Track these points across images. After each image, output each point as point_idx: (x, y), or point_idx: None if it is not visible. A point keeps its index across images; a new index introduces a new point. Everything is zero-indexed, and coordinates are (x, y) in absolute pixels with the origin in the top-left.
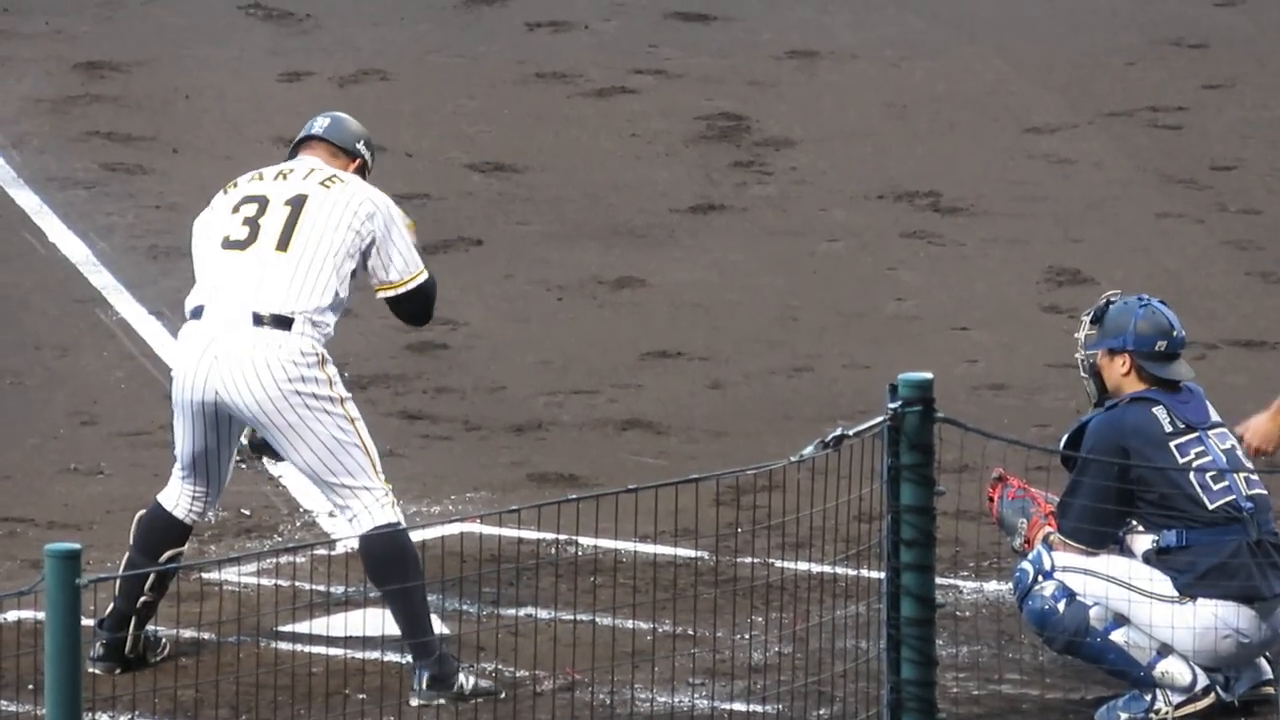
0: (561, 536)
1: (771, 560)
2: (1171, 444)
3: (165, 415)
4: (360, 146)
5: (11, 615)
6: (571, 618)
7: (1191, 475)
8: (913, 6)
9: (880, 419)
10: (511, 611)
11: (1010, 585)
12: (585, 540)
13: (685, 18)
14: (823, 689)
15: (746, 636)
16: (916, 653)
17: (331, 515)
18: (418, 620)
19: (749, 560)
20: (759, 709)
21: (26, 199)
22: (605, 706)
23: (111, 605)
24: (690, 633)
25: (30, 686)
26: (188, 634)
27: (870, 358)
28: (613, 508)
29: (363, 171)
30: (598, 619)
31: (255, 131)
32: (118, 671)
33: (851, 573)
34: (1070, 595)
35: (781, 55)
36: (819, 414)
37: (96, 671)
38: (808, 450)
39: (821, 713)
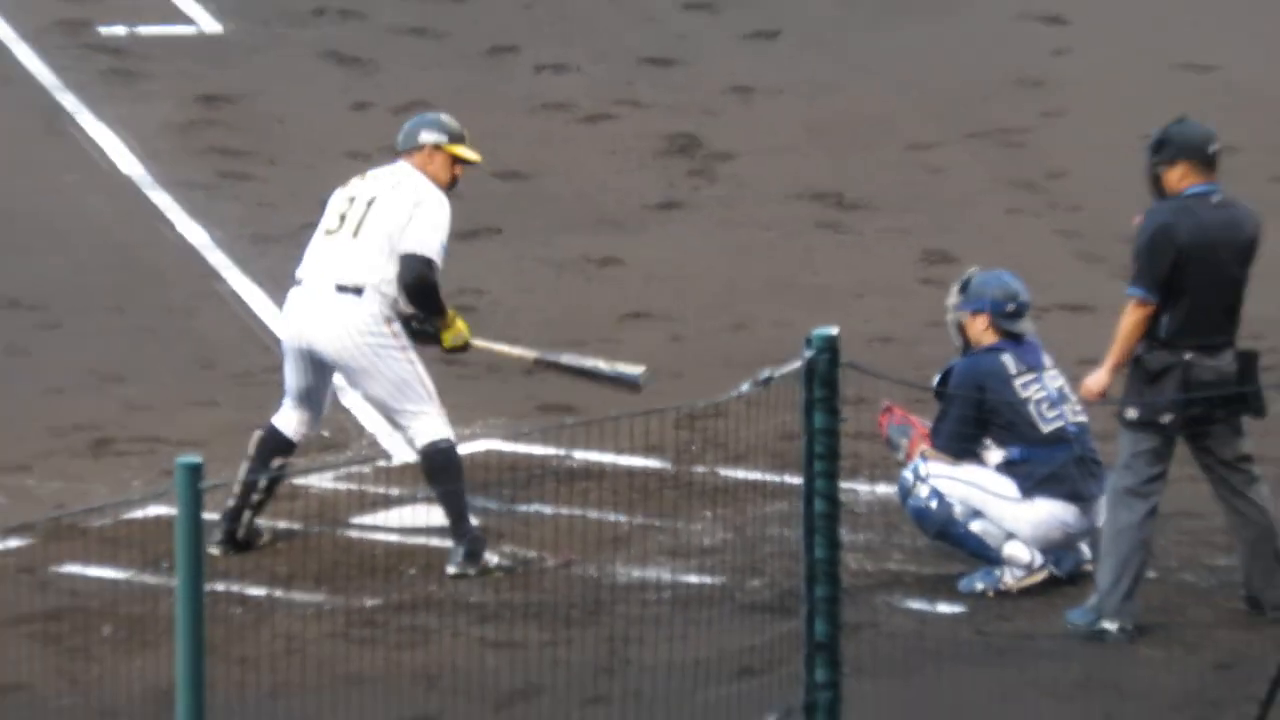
0: (561, 452)
1: (717, 469)
2: (1015, 382)
3: (265, 361)
4: (422, 137)
5: (151, 511)
6: (568, 513)
7: (1030, 406)
8: (824, 53)
9: (799, 363)
10: (524, 508)
11: (895, 489)
12: (578, 454)
13: (654, 62)
14: (756, 566)
15: (699, 526)
16: (825, 538)
17: (390, 436)
18: (460, 513)
19: (700, 469)
20: (708, 580)
21: (160, 198)
22: (593, 579)
23: (231, 501)
24: (656, 524)
25: (165, 565)
26: (282, 525)
27: (792, 318)
28: (599, 430)
29: (438, 150)
30: (588, 513)
31: (332, 148)
32: (231, 553)
33: (777, 479)
34: (940, 496)
35: (726, 90)
36: (754, 360)
37: (215, 552)
38: (745, 387)
39: (755, 583)
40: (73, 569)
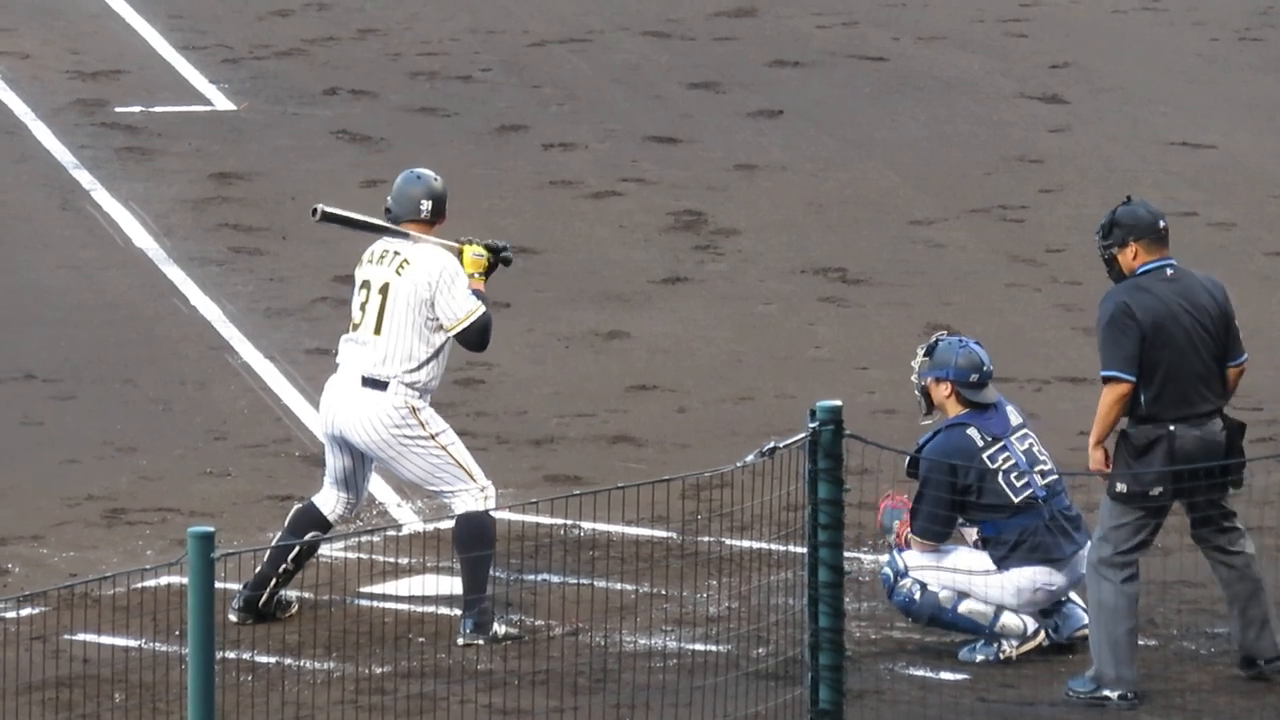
0: (568, 521)
1: (723, 539)
2: (984, 454)
3: (277, 433)
4: (422, 207)
5: (163, 580)
6: (575, 581)
7: (999, 478)
8: (827, 130)
9: (803, 435)
10: (531, 577)
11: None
12: (586, 524)
13: (658, 140)
14: (760, 634)
15: (704, 595)
16: (830, 607)
17: (398, 506)
18: (477, 583)
19: (706, 539)
20: (714, 648)
21: (175, 273)
22: (600, 647)
23: (257, 569)
24: (663, 592)
25: (177, 632)
26: (293, 593)
27: (795, 390)
28: (606, 500)
29: (438, 214)
30: (594, 582)
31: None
32: (249, 620)
33: (782, 548)
34: (923, 586)
35: (730, 167)
36: (758, 431)
37: (233, 618)
38: (749, 458)
39: (760, 651)
40: (85, 637)
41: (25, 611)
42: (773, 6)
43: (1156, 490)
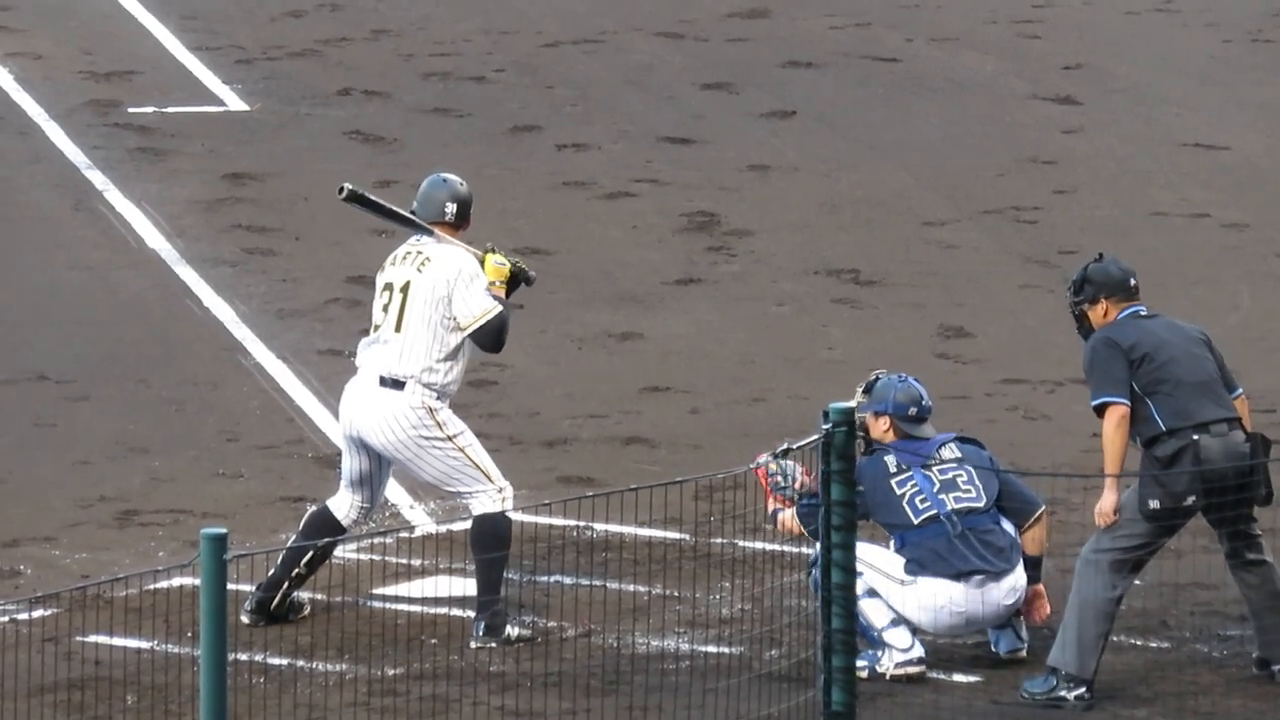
0: (581, 523)
1: (736, 540)
2: (892, 480)
3: (289, 434)
4: (447, 210)
5: (176, 581)
6: (588, 583)
7: (904, 502)
8: (839, 132)
9: (816, 436)
10: (544, 579)
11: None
12: (598, 526)
13: (672, 140)
14: (774, 636)
15: (717, 597)
16: (842, 609)
17: (411, 508)
18: (491, 584)
19: (719, 541)
20: (726, 650)
21: (188, 274)
22: (613, 649)
23: (270, 571)
24: (675, 594)
25: (189, 634)
26: (305, 595)
27: (808, 391)
28: (619, 502)
29: (462, 218)
30: (607, 584)
31: (356, 225)
32: (261, 623)
33: (795, 550)
34: None
35: (743, 168)
36: (771, 433)
37: (245, 620)
38: (762, 459)
39: (773, 653)
40: (97, 639)
41: (37, 613)
42: (786, 7)
43: (1190, 500)
